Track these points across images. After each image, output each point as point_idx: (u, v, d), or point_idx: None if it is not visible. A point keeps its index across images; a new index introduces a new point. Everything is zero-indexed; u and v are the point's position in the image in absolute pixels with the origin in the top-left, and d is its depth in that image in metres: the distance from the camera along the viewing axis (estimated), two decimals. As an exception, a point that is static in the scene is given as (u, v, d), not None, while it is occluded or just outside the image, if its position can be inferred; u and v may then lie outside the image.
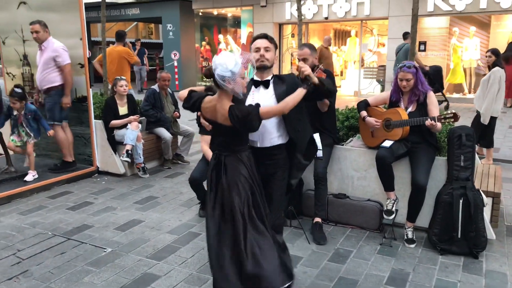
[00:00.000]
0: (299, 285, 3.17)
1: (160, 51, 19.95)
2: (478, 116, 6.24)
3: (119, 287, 3.16)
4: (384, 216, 3.84)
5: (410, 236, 3.81)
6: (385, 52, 13.94)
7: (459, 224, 3.56)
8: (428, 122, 3.59)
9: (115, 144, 5.88)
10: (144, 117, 6.19)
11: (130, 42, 8.92)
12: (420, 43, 12.64)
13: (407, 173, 3.91)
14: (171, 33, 17.37)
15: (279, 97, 2.73)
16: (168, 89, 6.37)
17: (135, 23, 24.52)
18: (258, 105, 2.54)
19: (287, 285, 2.59)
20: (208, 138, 3.92)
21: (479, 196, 3.60)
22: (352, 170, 4.26)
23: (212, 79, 2.49)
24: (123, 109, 5.87)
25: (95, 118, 5.89)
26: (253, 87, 2.80)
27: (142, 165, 5.85)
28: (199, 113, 2.70)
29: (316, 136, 3.67)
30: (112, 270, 3.40)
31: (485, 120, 6.05)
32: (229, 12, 17.28)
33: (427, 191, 3.68)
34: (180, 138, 6.61)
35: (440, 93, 10.67)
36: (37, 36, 5.37)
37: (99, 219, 4.43)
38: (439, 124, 3.61)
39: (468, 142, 3.67)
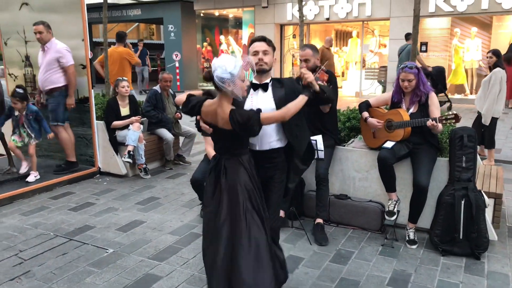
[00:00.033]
0: (301, 286, 3.17)
1: (161, 52, 19.98)
2: (479, 117, 6.24)
3: None
4: (386, 217, 3.84)
5: (411, 237, 3.81)
6: (386, 53, 13.93)
7: (461, 225, 3.56)
8: (429, 123, 3.59)
9: (117, 145, 5.89)
10: (145, 118, 6.20)
11: (131, 43, 8.93)
12: (422, 44, 12.64)
13: (408, 174, 3.91)
14: (172, 34, 17.39)
15: (278, 101, 2.73)
16: (170, 90, 6.38)
17: (137, 24, 24.54)
18: (259, 110, 2.54)
19: None
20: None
21: (481, 197, 3.60)
22: (354, 171, 4.26)
23: (212, 81, 2.48)
24: (125, 110, 5.88)
25: (97, 119, 5.90)
26: (251, 90, 2.79)
27: (144, 166, 5.86)
28: (198, 117, 2.68)
29: (318, 138, 3.69)
30: (114, 271, 3.40)
31: (486, 121, 6.05)
32: (231, 13, 17.29)
33: (428, 192, 3.68)
34: (181, 139, 6.61)
35: (443, 94, 10.66)
36: (41, 37, 5.39)
37: (101, 219, 4.44)
38: (440, 125, 3.61)
39: (470, 143, 3.67)
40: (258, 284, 2.47)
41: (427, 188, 3.65)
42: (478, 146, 5.04)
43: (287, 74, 15.77)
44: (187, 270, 3.40)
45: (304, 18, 5.80)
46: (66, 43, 5.52)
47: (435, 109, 3.77)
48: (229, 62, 2.41)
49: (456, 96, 12.81)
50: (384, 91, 13.52)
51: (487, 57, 6.18)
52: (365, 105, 4.15)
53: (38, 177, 5.39)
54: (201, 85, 17.07)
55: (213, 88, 2.58)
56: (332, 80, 3.89)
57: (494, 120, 6.11)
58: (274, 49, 2.85)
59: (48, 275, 3.34)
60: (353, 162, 4.25)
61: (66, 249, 3.77)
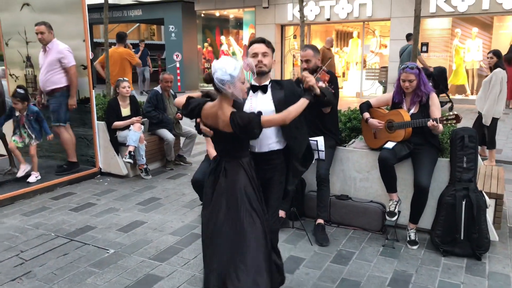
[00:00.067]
0: (301, 287, 3.17)
1: (162, 53, 19.98)
2: (479, 117, 6.24)
3: (122, 288, 3.17)
4: (387, 217, 3.84)
5: (412, 237, 3.81)
6: (387, 53, 13.93)
7: (462, 226, 3.56)
8: (430, 123, 3.59)
9: (118, 146, 5.90)
10: (146, 119, 6.20)
11: (132, 44, 8.94)
12: (422, 44, 12.64)
13: (409, 175, 3.91)
14: (173, 35, 17.40)
15: (278, 103, 2.74)
16: (171, 90, 6.39)
17: (137, 24, 24.55)
18: (260, 113, 2.54)
19: None
20: None
21: (482, 198, 3.60)
22: (355, 171, 4.26)
23: (212, 84, 2.47)
24: (125, 111, 5.89)
25: (98, 119, 5.91)
26: (251, 92, 2.79)
27: (145, 166, 5.86)
28: (198, 119, 2.66)
29: (320, 139, 3.69)
30: (115, 271, 3.40)
31: (486, 121, 6.05)
32: (231, 13, 17.30)
33: (429, 192, 3.68)
34: (182, 139, 6.62)
35: (444, 95, 10.65)
36: (42, 37, 5.40)
37: (102, 220, 4.44)
38: (440, 126, 3.61)
39: (471, 143, 3.67)
40: (255, 286, 2.46)
41: (428, 189, 3.65)
42: (479, 147, 5.04)
43: (287, 74, 15.77)
44: (188, 270, 3.40)
45: (304, 18, 5.80)
46: (67, 44, 5.52)
47: (436, 110, 3.77)
48: (229, 64, 2.40)
49: (457, 96, 12.80)
50: (384, 91, 13.52)
51: (488, 58, 6.18)
52: (366, 106, 4.15)
53: (39, 177, 5.40)
54: (202, 85, 17.07)
55: (212, 89, 2.58)
56: (333, 80, 3.90)
57: (494, 121, 6.11)
58: (273, 50, 2.85)
59: (49, 275, 3.34)
60: (354, 163, 4.25)
61: (67, 250, 3.77)
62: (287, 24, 15.20)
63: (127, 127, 5.80)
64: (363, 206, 4.11)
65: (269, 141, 2.75)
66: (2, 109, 5.31)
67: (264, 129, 2.59)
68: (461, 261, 3.54)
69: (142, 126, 5.88)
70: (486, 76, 6.24)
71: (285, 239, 3.93)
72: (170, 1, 17.10)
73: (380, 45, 14.73)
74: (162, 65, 19.65)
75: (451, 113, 3.59)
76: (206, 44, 17.82)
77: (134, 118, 5.81)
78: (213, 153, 4.22)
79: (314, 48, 4.10)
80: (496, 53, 6.12)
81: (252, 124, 2.43)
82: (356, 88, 14.54)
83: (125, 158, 5.64)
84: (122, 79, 5.93)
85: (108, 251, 3.74)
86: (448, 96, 10.90)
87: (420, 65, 3.92)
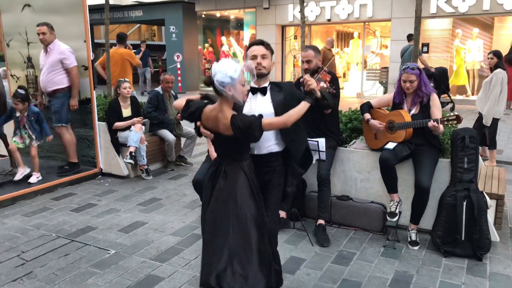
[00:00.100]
0: (302, 287, 3.17)
1: (163, 53, 20.00)
2: (480, 118, 6.24)
3: (123, 288, 3.17)
4: (388, 218, 3.83)
5: (413, 238, 3.81)
6: (387, 54, 13.94)
7: (463, 226, 3.56)
8: (430, 123, 3.59)
9: (119, 146, 5.90)
10: (147, 119, 6.21)
11: (133, 44, 8.95)
12: (423, 45, 12.63)
13: (410, 175, 3.91)
14: (174, 35, 17.41)
15: (277, 105, 2.74)
16: (172, 91, 6.39)
17: (138, 25, 24.57)
18: (261, 116, 2.53)
19: None
20: None
21: (483, 198, 3.60)
22: (356, 172, 4.26)
23: (212, 86, 2.47)
24: (126, 111, 5.89)
25: (99, 120, 5.91)
26: (250, 94, 2.79)
27: (146, 167, 5.87)
28: (198, 123, 2.64)
29: (321, 140, 3.69)
30: (116, 272, 3.41)
31: (487, 121, 6.05)
32: (232, 14, 17.31)
33: (430, 193, 3.68)
34: (183, 140, 6.62)
35: (446, 95, 10.65)
36: (44, 38, 5.40)
37: (103, 220, 4.44)
38: (441, 126, 3.61)
39: (472, 144, 3.67)
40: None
41: (429, 189, 3.65)
42: (479, 147, 5.03)
43: (288, 75, 15.78)
44: (189, 271, 3.40)
45: (305, 19, 5.80)
46: (68, 44, 5.53)
47: (437, 110, 3.78)
48: (229, 66, 2.40)
49: (458, 97, 12.80)
50: (385, 92, 13.52)
51: (488, 58, 6.18)
52: (367, 106, 4.15)
53: (40, 178, 5.40)
54: (203, 86, 17.08)
55: (211, 91, 2.57)
56: (334, 81, 3.90)
57: (495, 121, 6.11)
58: (272, 52, 2.84)
59: (50, 276, 3.35)
60: (354, 163, 4.25)
61: (68, 250, 3.77)
62: (287, 25, 15.21)
63: (128, 128, 5.80)
64: (364, 207, 4.11)
65: (268, 143, 2.75)
66: (3, 109, 5.31)
67: (264, 132, 2.59)
68: (462, 261, 3.54)
69: (143, 127, 5.89)
70: (487, 76, 6.24)
71: (286, 240, 3.93)
72: (171, 1, 17.11)
73: (381, 45, 14.73)
74: (163, 65, 19.66)
75: (452, 113, 3.59)
76: (206, 44, 17.84)
77: (135, 119, 5.82)
78: (213, 153, 4.23)
79: (315, 48, 4.10)
80: (497, 53, 6.12)
81: (253, 127, 2.43)
82: (357, 89, 14.54)
83: (126, 158, 5.64)
84: (123, 79, 5.94)
85: (109, 252, 3.74)
86: (449, 96, 10.90)
87: (422, 66, 3.92)
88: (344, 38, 16.74)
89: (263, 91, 2.78)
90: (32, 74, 6.21)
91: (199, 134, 2.66)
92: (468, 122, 7.43)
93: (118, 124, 5.79)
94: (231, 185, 2.57)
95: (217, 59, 17.43)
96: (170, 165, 6.36)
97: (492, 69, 6.10)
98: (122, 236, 4.07)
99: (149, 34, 28.55)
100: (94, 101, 5.80)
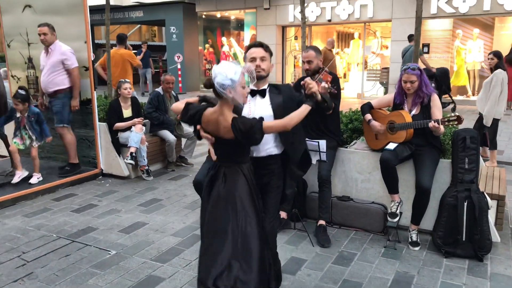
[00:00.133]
0: (304, 288, 3.18)
1: (163, 54, 20.02)
2: (480, 118, 6.24)
3: (124, 289, 3.17)
4: (388, 218, 3.83)
5: (414, 238, 3.80)
6: (388, 54, 13.94)
7: (464, 227, 3.55)
8: (431, 124, 3.59)
9: (119, 147, 5.90)
10: (148, 120, 6.21)
11: (134, 45, 8.97)
12: (424, 45, 12.64)
13: (411, 176, 3.91)
14: (174, 36, 17.42)
15: (276, 107, 2.74)
16: (172, 91, 6.39)
17: (139, 25, 24.58)
18: (261, 118, 2.52)
19: None
20: None
21: (484, 199, 3.59)
22: (356, 172, 4.26)
23: (212, 89, 2.45)
24: (127, 112, 5.90)
25: (100, 120, 5.91)
26: (249, 96, 2.78)
27: (146, 167, 5.87)
28: (198, 126, 2.62)
29: (322, 142, 3.69)
30: (116, 272, 3.41)
31: (487, 122, 6.05)
32: (233, 14, 17.33)
33: (431, 193, 3.68)
34: (184, 140, 6.62)
35: (447, 95, 10.64)
36: (45, 38, 5.40)
37: (104, 221, 4.44)
38: (442, 127, 3.61)
39: (473, 144, 3.67)
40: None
41: (430, 190, 3.65)
42: (480, 148, 5.03)
43: (289, 75, 15.78)
44: (190, 271, 3.40)
45: (306, 19, 5.80)
46: (68, 45, 5.53)
47: (437, 111, 3.78)
48: (230, 69, 2.39)
49: (459, 97, 12.80)
50: (386, 92, 13.53)
51: (488, 59, 6.18)
52: (368, 107, 4.15)
53: (41, 178, 5.40)
54: (203, 87, 17.08)
55: (209, 93, 2.56)
56: (335, 81, 3.90)
57: (495, 122, 6.11)
58: (271, 54, 2.84)
59: (51, 276, 3.35)
60: (355, 164, 4.25)
61: (69, 251, 3.77)
62: (288, 25, 15.21)
63: (128, 128, 5.81)
64: (364, 207, 4.11)
65: (267, 146, 2.75)
66: (4, 110, 5.31)
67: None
68: (463, 262, 3.53)
69: (144, 128, 5.89)
70: (487, 77, 6.24)
71: (286, 240, 3.93)
72: (171, 2, 17.13)
73: (381, 46, 14.73)
74: (163, 66, 19.68)
75: (452, 114, 3.59)
76: (207, 45, 17.85)
77: (135, 120, 5.82)
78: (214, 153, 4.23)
79: (316, 49, 4.09)
80: (497, 54, 6.12)
81: (254, 130, 2.42)
82: (357, 89, 14.54)
83: (126, 159, 5.64)
84: (123, 80, 5.94)
85: (109, 252, 3.75)
86: (451, 97, 10.89)
87: (423, 66, 3.92)
88: (345, 38, 16.74)
89: (262, 94, 2.78)
90: (32, 74, 6.21)
91: (199, 137, 2.64)
92: (468, 123, 7.43)
93: (118, 124, 5.79)
94: (231, 189, 2.56)
95: (218, 60, 17.46)
96: (170, 165, 6.36)
97: (492, 70, 6.10)
98: (122, 236, 4.07)
99: (149, 34, 28.57)
100: (94, 102, 5.81)
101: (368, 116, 4.07)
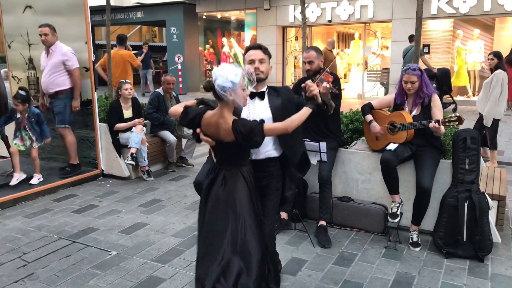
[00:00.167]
0: (304, 289, 3.18)
1: (163, 54, 20.03)
2: (480, 118, 6.24)
3: (124, 290, 3.17)
4: (389, 219, 3.83)
5: (415, 239, 3.80)
6: (388, 55, 13.94)
7: (464, 227, 3.55)
8: (432, 124, 3.59)
9: (120, 147, 5.90)
10: (148, 120, 6.21)
11: (135, 46, 8.98)
12: (424, 45, 12.64)
13: (411, 176, 3.91)
14: (175, 36, 17.43)
15: (275, 110, 2.74)
16: (173, 92, 6.40)
17: (139, 26, 24.59)
18: (262, 121, 2.52)
19: None
20: None
21: (484, 199, 3.59)
22: (357, 173, 4.26)
23: (212, 92, 2.43)
24: (127, 112, 5.90)
25: (100, 121, 5.92)
26: (248, 98, 2.78)
27: (147, 168, 5.87)
28: (198, 129, 2.59)
29: (323, 145, 3.69)
30: (117, 273, 3.41)
31: (487, 122, 6.05)
32: (233, 15, 17.33)
33: (432, 194, 3.67)
34: (184, 141, 6.63)
35: (448, 96, 10.63)
36: (46, 39, 5.41)
37: (104, 222, 4.44)
38: (442, 127, 3.61)
39: (473, 145, 3.67)
40: None
41: (431, 190, 3.65)
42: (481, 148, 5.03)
43: (289, 76, 15.79)
44: (190, 272, 3.40)
45: (306, 20, 5.80)
46: (69, 46, 5.53)
47: (438, 111, 3.78)
48: (230, 71, 2.38)
49: (459, 98, 12.80)
50: (386, 93, 13.52)
51: (488, 59, 6.19)
52: (368, 108, 4.15)
53: (42, 179, 5.41)
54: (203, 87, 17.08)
55: (207, 96, 2.55)
56: (336, 82, 3.90)
57: (495, 122, 6.11)
58: (270, 56, 2.83)
59: (52, 277, 3.35)
60: (356, 164, 4.25)
61: (70, 252, 3.78)
62: (288, 26, 15.22)
63: (129, 129, 5.81)
64: (365, 208, 4.11)
65: (266, 148, 2.75)
66: (4, 110, 5.31)
67: None
68: (463, 263, 3.53)
69: (144, 128, 5.89)
70: (488, 77, 6.25)
71: (287, 241, 3.93)
72: (172, 3, 17.14)
73: (382, 46, 14.73)
74: (164, 67, 19.69)
75: (453, 114, 3.59)
76: (207, 46, 17.86)
77: (136, 120, 5.82)
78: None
79: (317, 49, 4.09)
80: (497, 54, 6.13)
81: (254, 132, 2.42)
82: (358, 90, 14.55)
83: (127, 160, 5.64)
84: (124, 81, 5.95)
85: (110, 253, 3.75)
86: (452, 97, 10.88)
87: (424, 66, 3.92)
88: (345, 39, 16.75)
89: (261, 96, 2.78)
90: (33, 75, 6.22)
91: (198, 140, 2.62)
92: (469, 123, 7.43)
93: (119, 125, 5.79)
94: (230, 192, 2.55)
95: (218, 60, 17.46)
96: (171, 166, 6.36)
97: (492, 70, 6.10)
98: (123, 237, 4.07)
99: (150, 35, 28.56)
100: (95, 102, 5.81)
101: (369, 117, 4.07)
